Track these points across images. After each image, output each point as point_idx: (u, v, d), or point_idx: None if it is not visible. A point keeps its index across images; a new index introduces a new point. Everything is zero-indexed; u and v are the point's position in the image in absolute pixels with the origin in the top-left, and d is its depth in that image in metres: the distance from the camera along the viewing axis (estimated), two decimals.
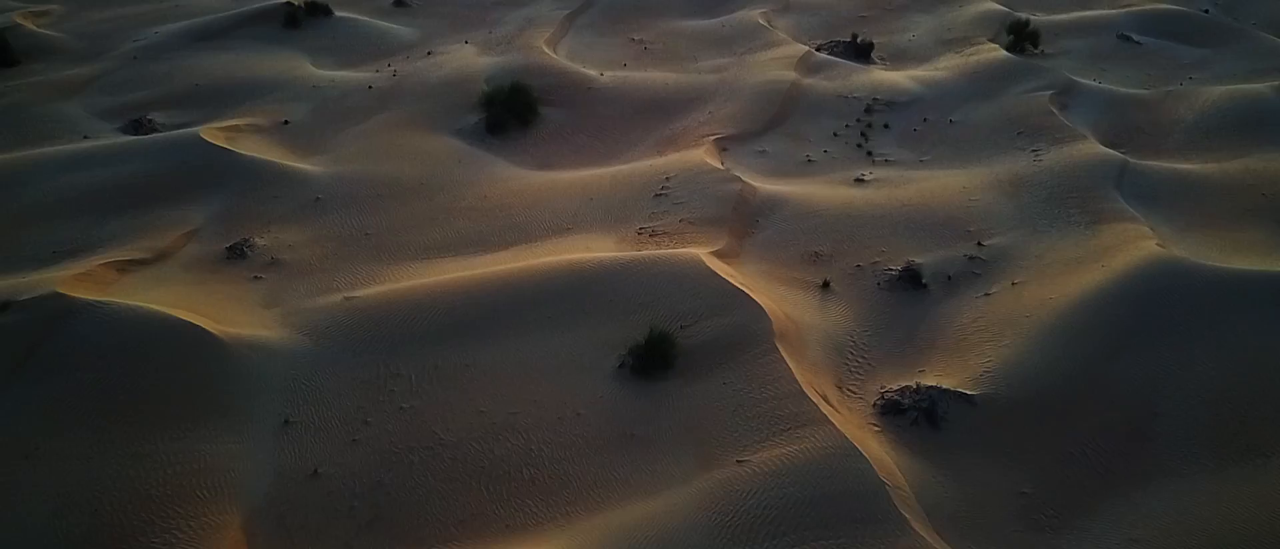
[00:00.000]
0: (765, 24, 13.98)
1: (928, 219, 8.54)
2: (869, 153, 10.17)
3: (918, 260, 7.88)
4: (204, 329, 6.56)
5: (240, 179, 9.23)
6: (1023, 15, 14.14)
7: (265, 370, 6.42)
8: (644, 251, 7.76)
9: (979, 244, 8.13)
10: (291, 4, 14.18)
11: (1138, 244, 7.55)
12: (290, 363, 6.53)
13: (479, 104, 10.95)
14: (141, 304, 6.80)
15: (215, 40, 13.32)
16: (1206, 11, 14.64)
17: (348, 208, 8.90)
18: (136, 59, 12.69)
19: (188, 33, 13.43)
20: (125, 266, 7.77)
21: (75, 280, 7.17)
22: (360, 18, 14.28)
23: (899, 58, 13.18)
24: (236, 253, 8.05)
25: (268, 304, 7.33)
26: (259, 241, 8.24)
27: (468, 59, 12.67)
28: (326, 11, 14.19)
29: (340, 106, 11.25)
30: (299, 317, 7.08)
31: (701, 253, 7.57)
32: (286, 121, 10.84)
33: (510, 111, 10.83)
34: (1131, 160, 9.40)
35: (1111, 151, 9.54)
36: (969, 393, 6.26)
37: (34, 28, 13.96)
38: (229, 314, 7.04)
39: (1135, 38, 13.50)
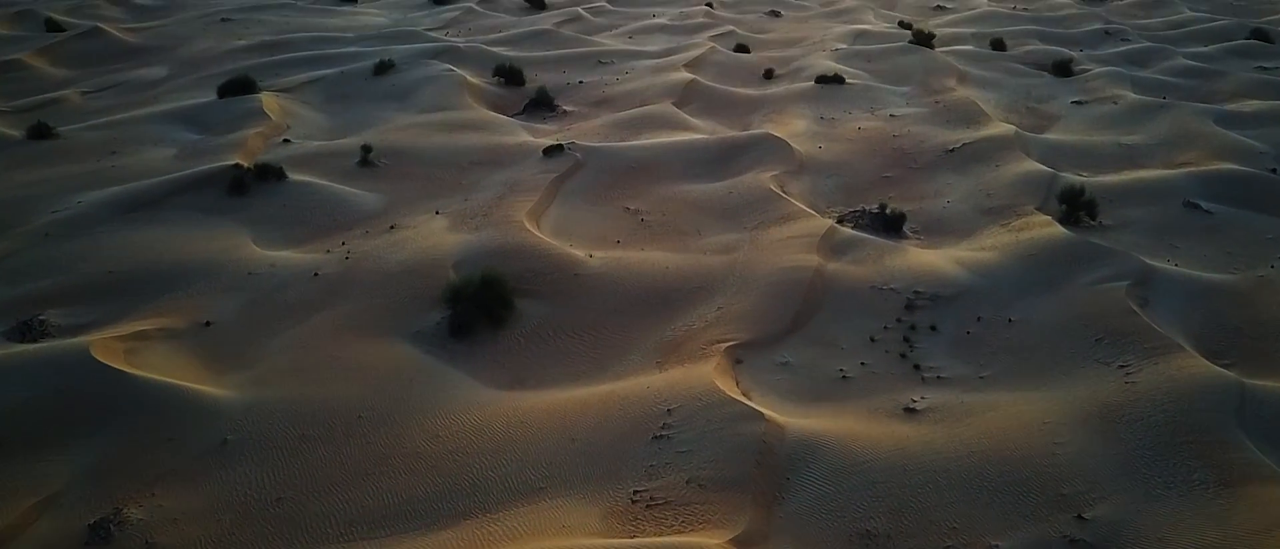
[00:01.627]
0: (778, 190, 12.52)
1: (1005, 475, 6.76)
2: (916, 366, 8.46)
3: (1001, 546, 6.05)
4: None
5: (131, 413, 7.48)
6: (1071, 177, 12.76)
7: None
8: (640, 541, 5.92)
9: (1079, 517, 6.33)
10: (240, 167, 12.75)
11: None
12: None
13: (444, 298, 9.30)
14: None
15: (147, 211, 11.82)
16: (1274, 172, 13.26)
17: (262, 456, 7.11)
18: (49, 236, 11.14)
19: (115, 202, 11.93)
20: None
21: None
22: (318, 182, 12.82)
23: (936, 232, 11.66)
24: (100, 535, 6.20)
25: None
26: (134, 514, 6.43)
27: (435, 236, 11.12)
28: (279, 175, 12.74)
29: (277, 301, 9.61)
30: None
31: (718, 545, 5.74)
32: (208, 323, 9.17)
33: (480, 309, 9.19)
34: (1247, 381, 7.68)
35: (1221, 371, 7.83)
36: None
37: None
38: None
39: (1203, 206, 12.03)
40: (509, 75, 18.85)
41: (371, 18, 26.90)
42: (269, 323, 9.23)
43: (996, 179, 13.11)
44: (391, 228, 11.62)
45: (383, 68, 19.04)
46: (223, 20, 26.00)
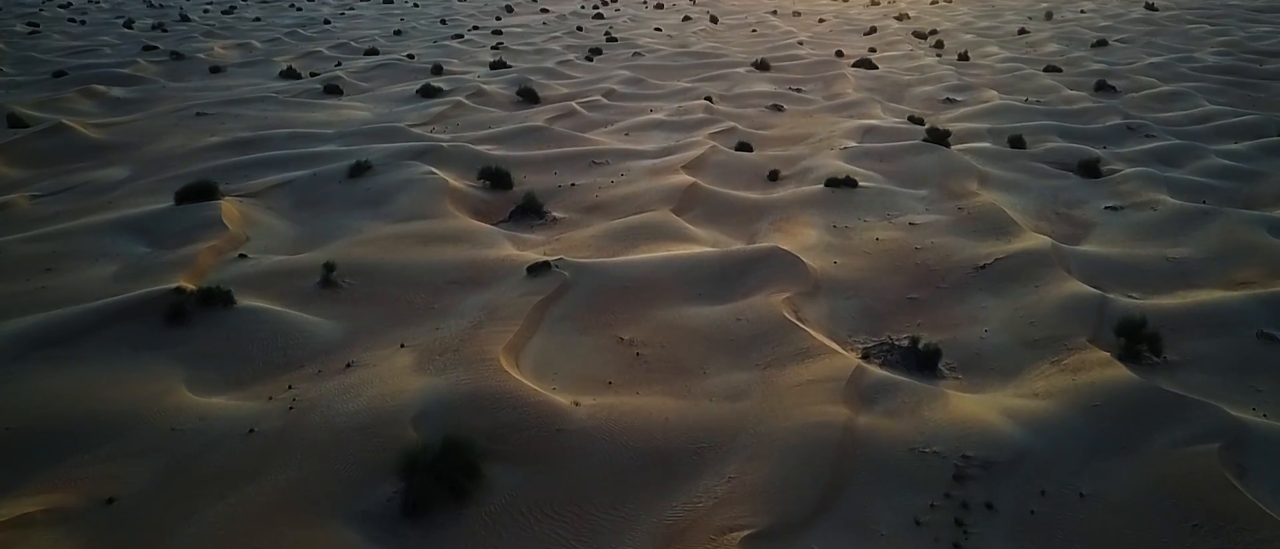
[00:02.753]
0: (792, 317, 11.15)
1: None
2: None
3: None
4: None
5: None
6: (1122, 300, 11.42)
7: None
8: None
9: None
10: (182, 291, 11.38)
11: None
12: None
13: (399, 466, 7.82)
14: None
15: (67, 347, 10.38)
16: None
17: None
18: None
19: (31, 337, 10.50)
20: None
21: None
22: (270, 308, 11.44)
23: (977, 370, 10.24)
24: None
25: None
26: None
27: (397, 377, 9.69)
28: (226, 300, 11.36)
29: (201, 468, 8.12)
30: None
31: None
32: (111, 500, 7.68)
33: (440, 480, 7.69)
34: None
35: None
36: None
37: None
38: None
39: (1278, 337, 10.64)
40: (495, 178, 17.68)
41: (355, 112, 25.96)
42: (187, 499, 7.72)
43: (1038, 303, 11.75)
44: (348, 366, 10.18)
45: (359, 170, 17.89)
46: (198, 115, 25.04)
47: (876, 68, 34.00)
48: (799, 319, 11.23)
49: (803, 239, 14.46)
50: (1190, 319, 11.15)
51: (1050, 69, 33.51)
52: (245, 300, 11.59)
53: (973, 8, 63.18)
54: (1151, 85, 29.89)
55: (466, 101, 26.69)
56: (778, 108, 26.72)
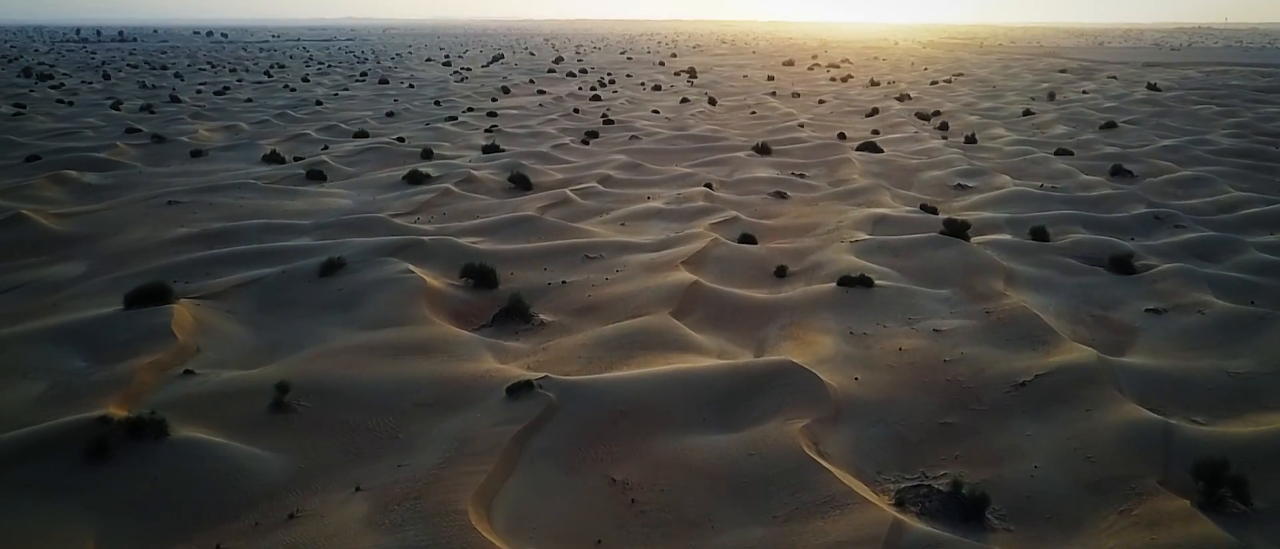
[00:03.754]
0: (811, 452, 9.71)
1: None
2: None
3: None
4: None
5: None
6: (1187, 427, 10.02)
7: None
8: None
9: None
10: (108, 420, 9.93)
11: None
12: None
13: None
14: None
15: None
16: None
17: None
18: None
19: None
20: None
21: None
22: (209, 441, 9.98)
23: (1031, 521, 8.76)
24: None
25: None
26: None
27: (346, 536, 8.20)
28: (159, 431, 9.90)
29: None
30: None
31: None
32: None
33: None
34: None
35: None
36: None
37: None
38: None
39: None
40: (479, 276, 16.38)
41: (337, 200, 24.83)
42: None
43: (1092, 432, 10.31)
44: (291, 517, 8.69)
45: (331, 268, 16.60)
46: (170, 203, 23.87)
47: (882, 151, 33.09)
48: (820, 454, 9.77)
49: (818, 349, 13.08)
50: (1269, 452, 9.70)
51: (1062, 152, 32.63)
52: (182, 430, 10.14)
53: (973, 88, 63.04)
54: (1170, 169, 28.94)
55: (455, 189, 25.58)
56: (781, 195, 25.61)
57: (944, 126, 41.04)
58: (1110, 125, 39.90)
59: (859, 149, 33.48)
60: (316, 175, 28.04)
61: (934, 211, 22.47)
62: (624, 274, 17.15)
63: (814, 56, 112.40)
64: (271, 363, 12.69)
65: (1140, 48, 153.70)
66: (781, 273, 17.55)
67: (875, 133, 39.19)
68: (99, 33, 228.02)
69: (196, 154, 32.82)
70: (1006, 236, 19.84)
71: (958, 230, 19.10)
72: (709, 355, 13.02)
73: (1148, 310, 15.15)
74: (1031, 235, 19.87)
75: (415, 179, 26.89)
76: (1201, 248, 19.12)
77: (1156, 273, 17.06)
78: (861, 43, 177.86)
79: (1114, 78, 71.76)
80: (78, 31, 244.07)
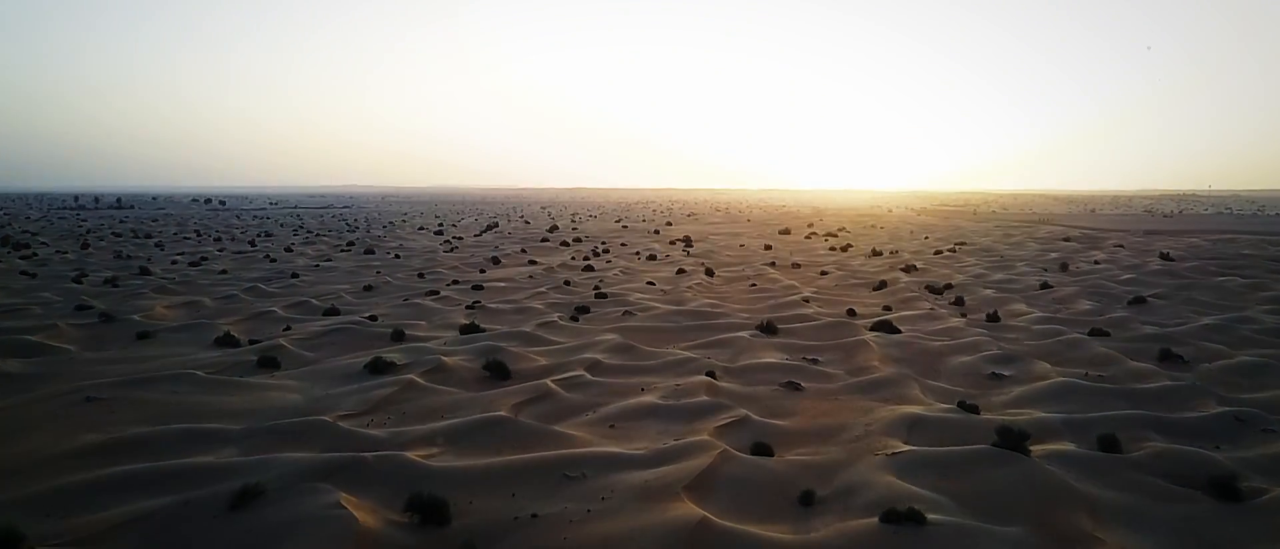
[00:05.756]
0: None
1: None
2: None
3: None
4: None
5: None
6: None
7: None
8: None
9: None
10: None
11: None
12: None
13: None
14: None
15: None
16: None
17: None
18: None
19: None
20: None
21: None
22: None
23: None
24: None
25: None
26: None
27: None
28: None
29: None
30: None
31: None
32: None
33: None
34: None
35: None
36: None
37: None
38: None
39: None
40: (426, 511, 13.06)
41: (284, 395, 21.67)
42: None
43: None
44: None
45: (245, 497, 13.32)
46: (89, 400, 20.70)
47: (899, 331, 30.28)
48: None
49: None
50: None
51: (1096, 332, 29.85)
52: None
53: (980, 258, 61.20)
54: (1223, 354, 26.06)
55: (420, 380, 22.48)
56: (794, 386, 22.55)
57: (959, 301, 38.49)
58: (1139, 300, 37.38)
59: (874, 329, 30.69)
60: (269, 363, 25.00)
61: (976, 411, 19.34)
62: (611, 504, 13.83)
63: (809, 224, 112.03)
64: None
65: (1132, 215, 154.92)
66: (808, 500, 14.25)
67: (887, 309, 36.58)
68: (97, 200, 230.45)
69: (143, 336, 29.86)
70: (1071, 447, 16.65)
71: (1015, 441, 15.91)
72: None
73: None
74: (1100, 445, 16.68)
75: (378, 368, 23.83)
76: None
77: (1271, 500, 13.81)
78: (854, 210, 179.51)
79: (1121, 247, 70.28)
80: (76, 199, 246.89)
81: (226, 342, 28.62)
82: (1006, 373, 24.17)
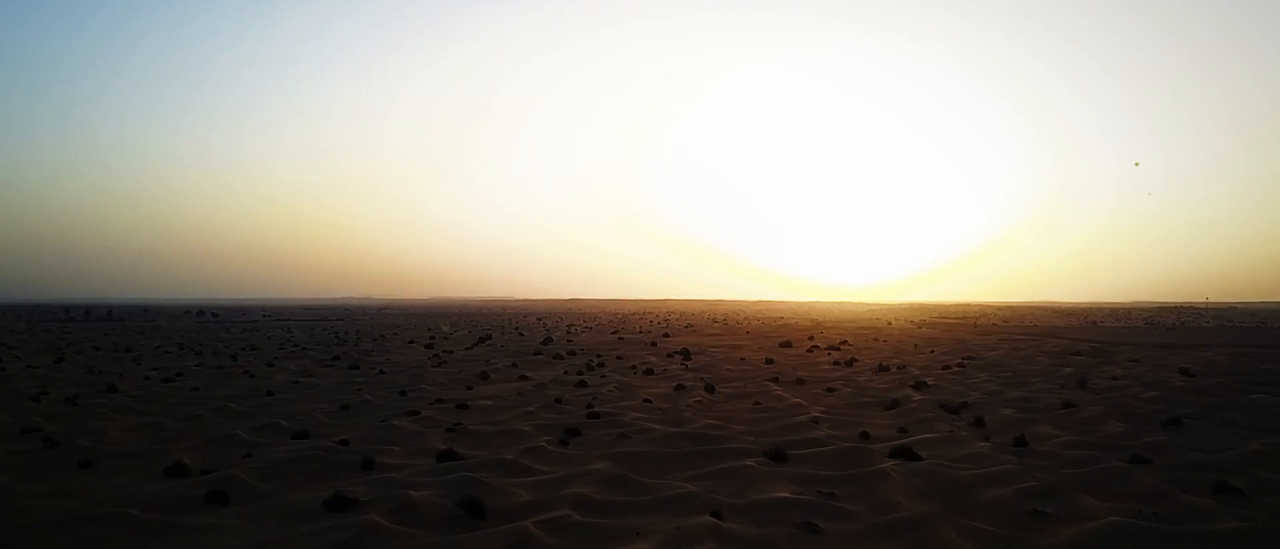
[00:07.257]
0: None
1: None
2: None
3: None
4: None
5: None
6: None
7: None
8: None
9: None
10: None
11: None
12: None
13: None
14: None
15: None
16: None
17: None
18: None
19: None
20: None
21: None
22: None
23: None
24: None
25: None
26: None
27: None
28: None
29: None
30: None
31: None
32: None
33: None
34: None
35: None
36: None
37: None
38: None
39: None
40: None
41: (225, 540, 18.84)
42: None
43: None
44: None
45: None
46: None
47: (920, 458, 27.55)
48: None
49: None
50: None
51: (1137, 460, 27.15)
52: None
53: (992, 374, 58.64)
54: None
55: (383, 521, 19.68)
56: (812, 527, 19.76)
57: (980, 422, 35.82)
58: (1175, 422, 34.73)
59: (893, 456, 27.94)
60: (217, 497, 22.21)
61: None
62: None
63: (810, 337, 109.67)
64: None
65: (1134, 327, 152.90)
66: None
67: (903, 432, 33.87)
68: (88, 312, 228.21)
69: (85, 465, 27.04)
70: None
71: None
72: None
73: None
74: None
75: (338, 506, 21.05)
76: None
77: None
78: (853, 321, 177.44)
79: (1136, 361, 67.83)
80: (67, 311, 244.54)
81: (176, 471, 25.80)
82: (1048, 510, 21.41)
